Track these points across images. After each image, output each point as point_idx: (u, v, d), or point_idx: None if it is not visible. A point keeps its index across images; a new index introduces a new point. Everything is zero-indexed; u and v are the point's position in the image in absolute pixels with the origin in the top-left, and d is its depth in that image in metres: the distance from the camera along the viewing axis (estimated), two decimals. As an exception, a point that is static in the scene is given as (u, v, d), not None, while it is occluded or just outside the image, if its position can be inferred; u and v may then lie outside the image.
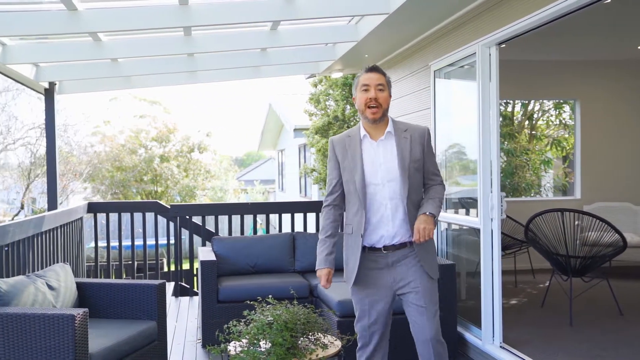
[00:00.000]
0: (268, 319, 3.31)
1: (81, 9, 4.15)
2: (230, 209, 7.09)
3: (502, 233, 6.52)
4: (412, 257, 2.99)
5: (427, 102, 5.26)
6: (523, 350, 4.20)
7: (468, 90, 4.57)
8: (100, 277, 8.31)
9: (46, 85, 6.11)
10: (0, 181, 16.29)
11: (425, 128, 3.10)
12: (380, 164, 3.01)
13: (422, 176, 3.07)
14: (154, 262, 7.46)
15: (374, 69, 3.03)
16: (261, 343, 3.25)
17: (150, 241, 10.27)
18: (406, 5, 4.23)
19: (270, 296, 3.54)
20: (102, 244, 8.18)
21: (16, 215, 15.55)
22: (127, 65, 5.89)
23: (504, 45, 5.81)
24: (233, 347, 3.34)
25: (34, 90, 6.31)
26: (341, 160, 3.10)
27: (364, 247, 3.02)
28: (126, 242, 8.35)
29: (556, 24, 3.68)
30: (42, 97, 6.31)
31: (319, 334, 3.46)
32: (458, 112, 4.93)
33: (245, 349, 3.22)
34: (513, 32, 3.92)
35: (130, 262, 7.57)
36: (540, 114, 10.65)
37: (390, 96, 3.05)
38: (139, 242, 7.43)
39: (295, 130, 15.84)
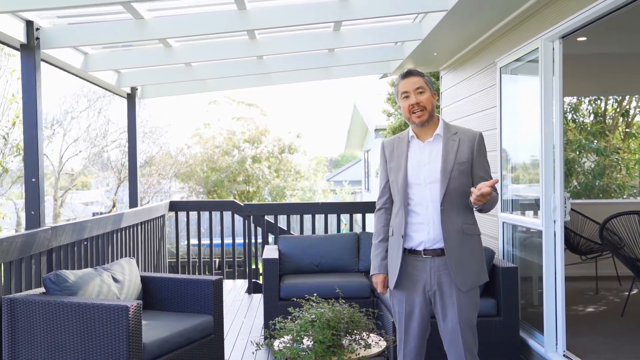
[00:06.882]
0: (312, 317, 3.37)
1: (147, 18, 4.39)
2: (301, 209, 7.20)
3: (582, 237, 6.22)
4: (447, 267, 2.86)
5: (494, 101, 5.09)
6: (589, 360, 3.99)
7: (533, 87, 4.38)
8: (183, 274, 8.70)
9: (128, 90, 6.50)
10: (99, 182, 17.41)
11: (477, 132, 2.97)
12: (425, 164, 2.92)
13: (471, 180, 2.92)
14: (235, 259, 7.70)
15: (409, 73, 2.95)
16: (304, 340, 3.30)
17: (231, 240, 10.63)
18: (463, 1, 4.13)
19: (315, 294, 3.58)
20: (193, 241, 8.52)
21: (109, 212, 16.53)
22: (201, 69, 6.14)
23: (584, 38, 5.54)
24: (277, 344, 3.41)
25: (118, 95, 6.73)
26: (388, 162, 3.06)
27: (404, 250, 2.94)
28: (206, 241, 8.69)
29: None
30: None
31: (365, 333, 3.47)
32: (524, 109, 4.73)
33: (288, 345, 3.29)
34: (576, 24, 3.71)
35: (208, 259, 7.88)
36: (637, 111, 9.99)
37: (433, 96, 2.95)
38: (219, 240, 7.71)
39: (376, 130, 15.78)
